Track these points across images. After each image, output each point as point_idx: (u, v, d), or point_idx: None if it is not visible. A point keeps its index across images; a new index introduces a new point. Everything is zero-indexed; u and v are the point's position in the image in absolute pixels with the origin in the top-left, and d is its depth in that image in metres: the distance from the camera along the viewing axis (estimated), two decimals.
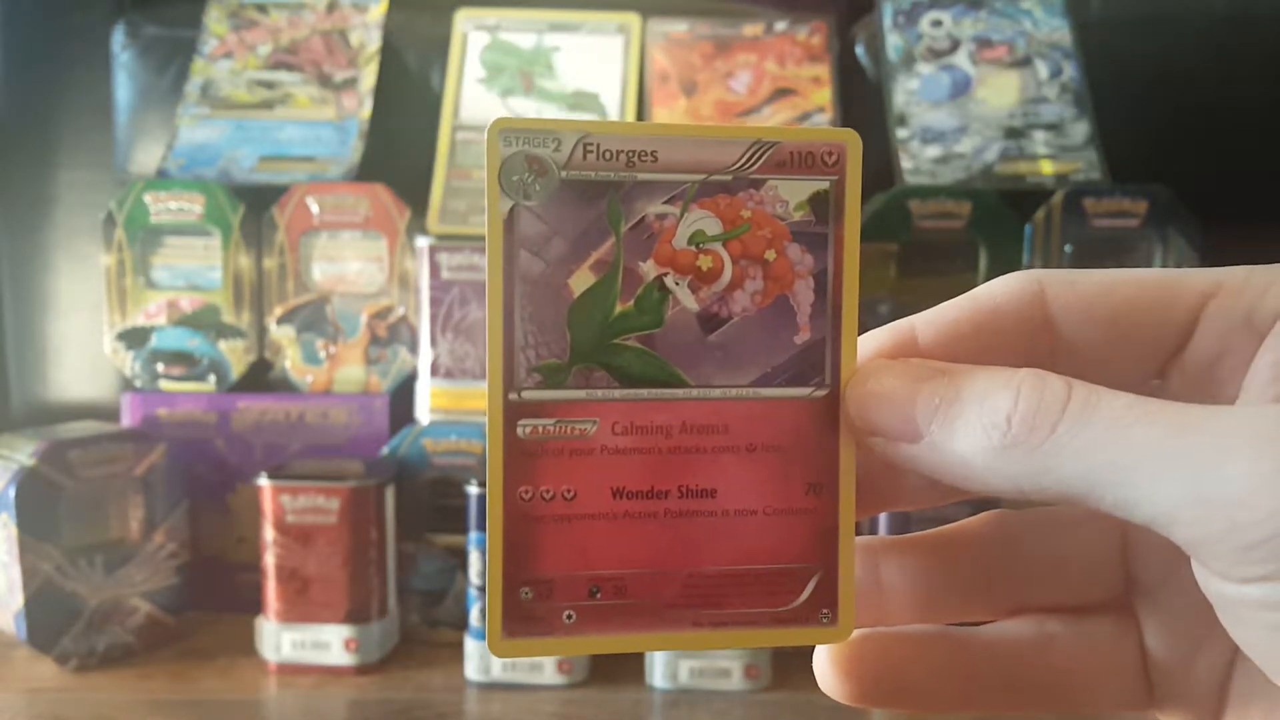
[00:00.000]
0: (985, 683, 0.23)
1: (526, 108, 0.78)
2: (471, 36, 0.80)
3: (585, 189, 0.22)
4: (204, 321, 0.73)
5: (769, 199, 0.22)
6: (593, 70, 0.79)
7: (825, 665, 0.24)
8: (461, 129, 0.77)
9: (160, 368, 0.73)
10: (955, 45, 0.78)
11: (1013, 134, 0.74)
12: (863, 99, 0.79)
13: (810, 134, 0.23)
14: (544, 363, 0.22)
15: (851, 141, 0.23)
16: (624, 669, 0.64)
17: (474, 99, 0.78)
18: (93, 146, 0.83)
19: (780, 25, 0.80)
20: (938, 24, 0.79)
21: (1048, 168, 0.73)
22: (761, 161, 0.22)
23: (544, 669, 0.63)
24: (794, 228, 0.23)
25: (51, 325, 0.83)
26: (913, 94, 0.76)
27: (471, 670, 0.63)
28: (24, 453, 0.63)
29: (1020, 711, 0.24)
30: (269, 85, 0.79)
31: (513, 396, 0.22)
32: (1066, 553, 0.24)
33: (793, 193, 0.22)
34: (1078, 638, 0.23)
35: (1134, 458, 0.18)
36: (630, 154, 0.22)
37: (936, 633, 0.24)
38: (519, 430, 0.22)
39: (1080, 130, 0.74)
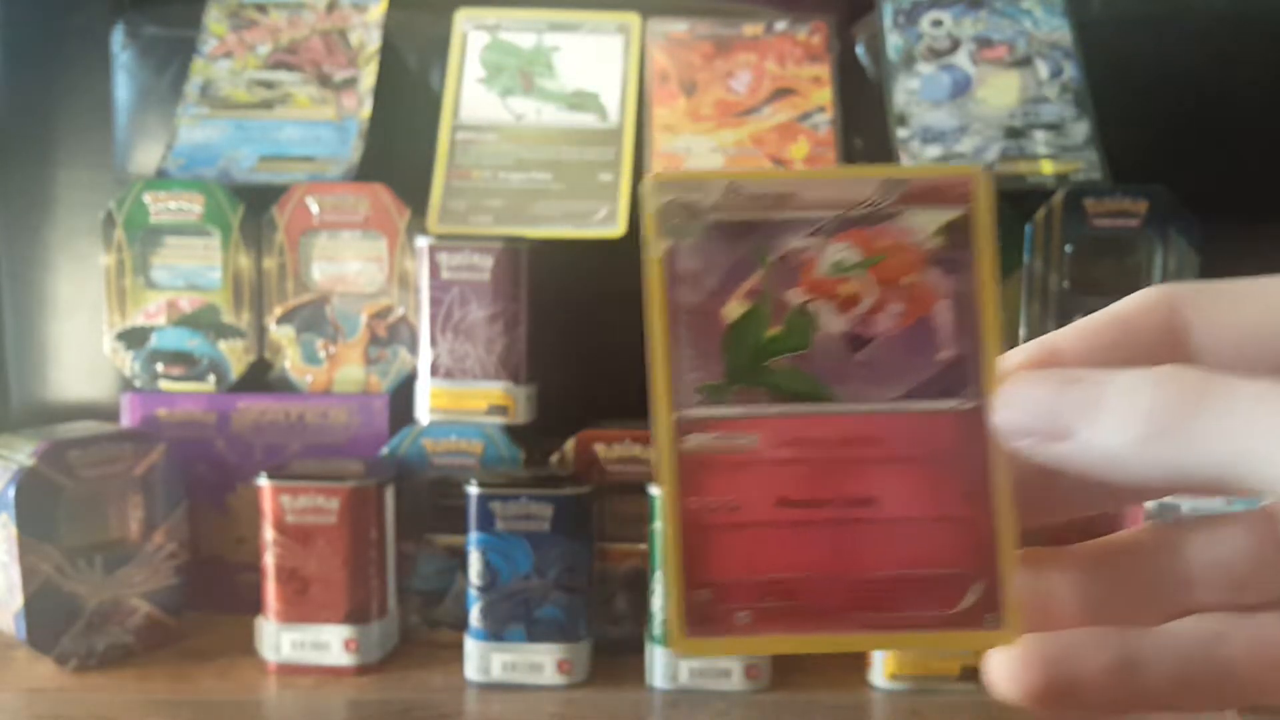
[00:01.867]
0: (1157, 683, 0.24)
1: (526, 107, 0.78)
2: (471, 36, 0.80)
3: (733, 229, 0.24)
4: (203, 321, 0.72)
5: (904, 229, 0.24)
6: (593, 70, 0.79)
7: (996, 668, 0.24)
8: (461, 129, 0.77)
9: (160, 368, 0.73)
10: (955, 45, 0.78)
11: (1013, 134, 0.74)
12: (863, 99, 0.79)
13: (937, 171, 0.25)
14: (705, 384, 0.24)
15: (977, 176, 0.24)
16: (624, 669, 0.64)
17: (474, 98, 0.78)
18: (92, 146, 0.83)
19: (780, 25, 0.80)
20: (938, 24, 0.79)
21: (1048, 168, 0.73)
22: (895, 196, 0.24)
23: (544, 669, 0.63)
24: (931, 254, 0.24)
25: (51, 325, 0.83)
26: (913, 94, 0.76)
27: (471, 670, 0.63)
28: (24, 453, 0.63)
29: (1193, 710, 0.24)
30: (269, 85, 0.79)
31: (678, 415, 0.24)
32: (1229, 555, 0.24)
33: (927, 222, 0.24)
34: (1249, 633, 0.24)
35: (1276, 436, 0.18)
36: (773, 196, 0.24)
37: (1106, 633, 0.24)
38: (685, 445, 0.24)
39: (1080, 130, 0.74)
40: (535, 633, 0.63)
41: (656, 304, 0.24)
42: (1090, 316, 0.24)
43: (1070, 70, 0.76)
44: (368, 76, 0.79)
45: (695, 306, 0.24)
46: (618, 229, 0.72)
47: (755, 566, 0.24)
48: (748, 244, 0.24)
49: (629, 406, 0.77)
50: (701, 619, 0.24)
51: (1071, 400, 0.22)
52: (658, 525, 0.62)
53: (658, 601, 0.62)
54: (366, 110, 0.77)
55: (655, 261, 0.24)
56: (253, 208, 0.72)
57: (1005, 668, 0.24)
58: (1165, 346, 0.23)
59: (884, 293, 0.24)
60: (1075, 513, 0.25)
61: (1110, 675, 0.24)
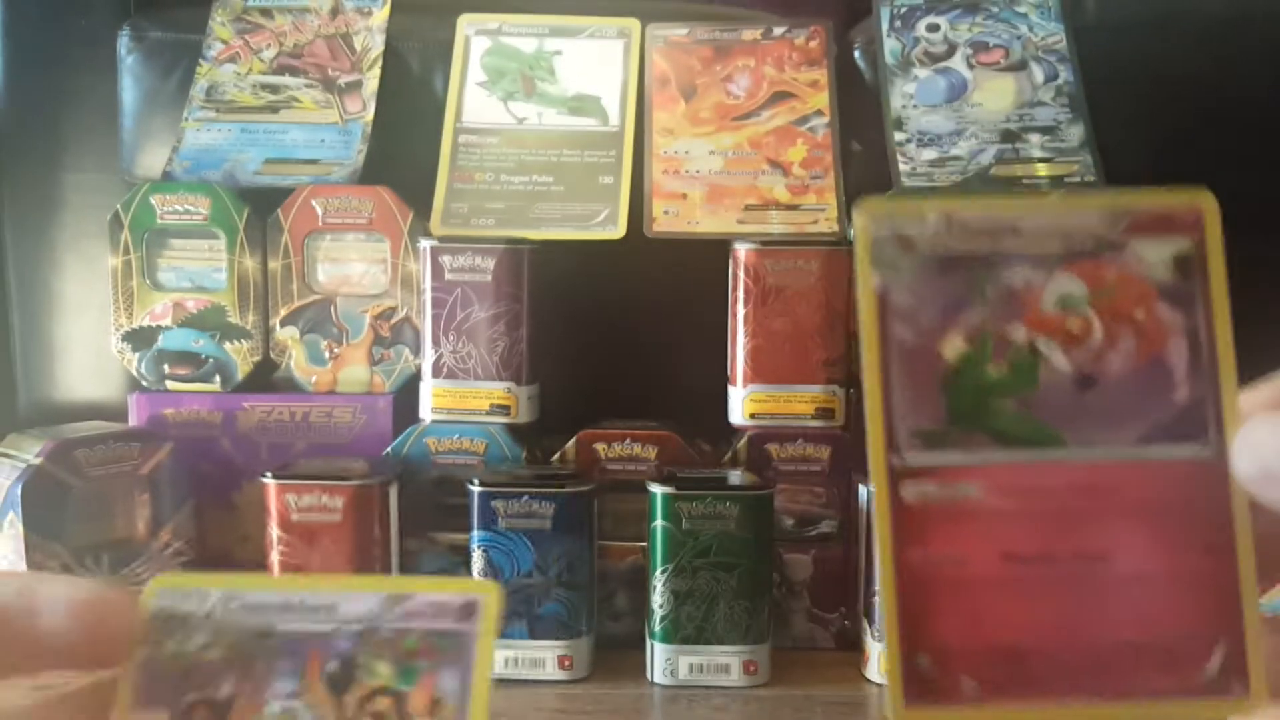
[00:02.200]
0: None
1: (528, 111, 0.79)
2: (474, 40, 0.81)
3: (951, 262, 0.23)
4: (209, 322, 0.73)
5: (1132, 261, 0.23)
6: (593, 74, 0.80)
7: None
8: (464, 132, 0.78)
9: (166, 368, 0.73)
10: (952, 49, 0.79)
11: (1009, 137, 0.75)
12: (860, 102, 0.80)
13: (1165, 198, 0.23)
14: (923, 428, 0.23)
15: (1208, 203, 0.23)
16: (624, 665, 0.65)
17: (476, 102, 0.79)
18: (99, 149, 0.83)
19: (779, 30, 0.81)
20: (934, 28, 0.80)
21: (1043, 170, 0.73)
22: (1121, 227, 0.23)
23: (545, 664, 0.63)
24: (1161, 287, 0.23)
25: (59, 326, 0.84)
26: (910, 97, 0.77)
27: None
28: (31, 452, 0.64)
29: None
30: (273, 89, 0.80)
31: (895, 461, 0.22)
32: None
33: (1156, 253, 0.23)
34: None
35: None
36: (990, 227, 0.23)
37: None
38: (903, 493, 0.22)
39: (1076, 133, 0.75)
40: (537, 629, 0.64)
41: (871, 341, 0.23)
42: None
43: (1065, 74, 0.77)
44: (371, 80, 0.80)
45: (912, 344, 0.23)
46: (618, 231, 0.73)
47: (980, 629, 0.22)
48: (966, 278, 0.23)
49: (629, 406, 0.78)
50: (923, 688, 0.22)
51: None
52: (657, 523, 0.63)
53: (657, 598, 0.63)
54: (370, 114, 0.78)
55: (869, 296, 0.23)
56: (258, 210, 0.73)
57: None
58: None
59: (1113, 329, 0.23)
60: None
61: None
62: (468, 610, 0.23)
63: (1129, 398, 0.22)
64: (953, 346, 0.23)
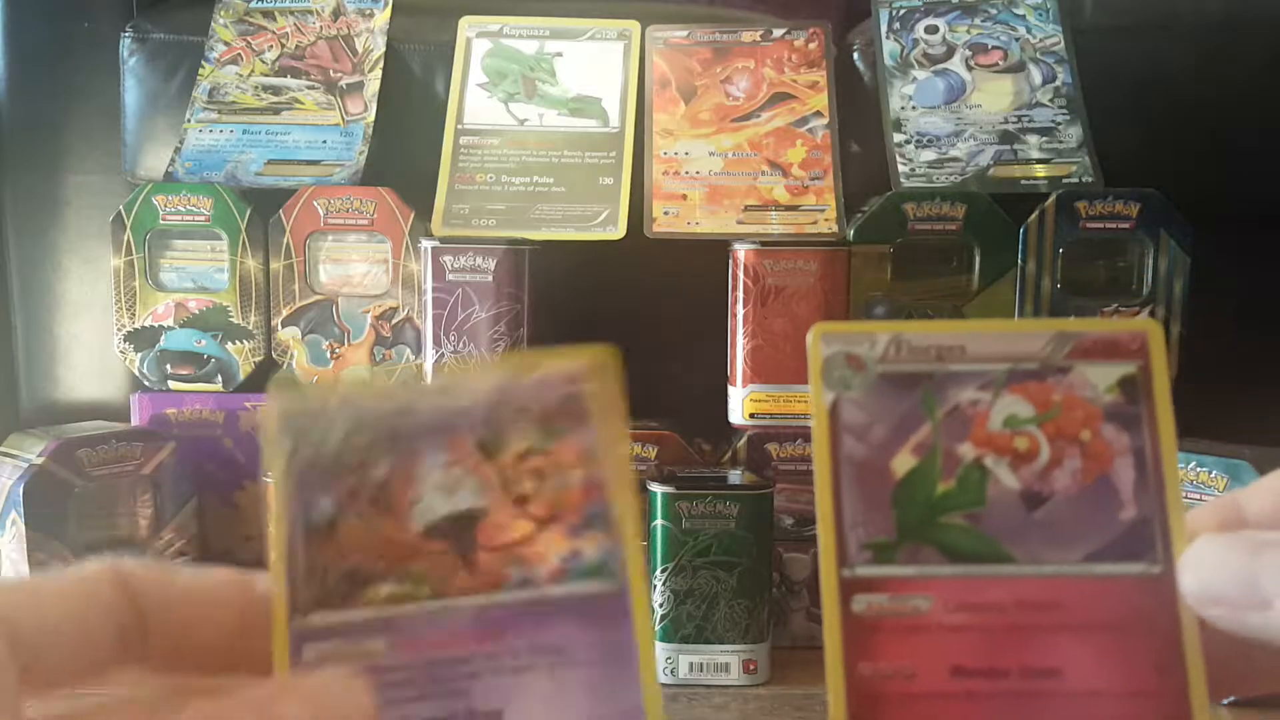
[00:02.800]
0: None
1: (529, 112, 0.79)
2: (475, 42, 0.82)
3: (900, 380, 0.23)
4: (212, 322, 0.74)
5: (1078, 383, 0.23)
6: (594, 76, 0.80)
7: None
8: (465, 133, 0.78)
9: (168, 368, 0.74)
10: (950, 51, 0.79)
11: (1007, 138, 0.75)
12: (859, 104, 0.80)
13: (1111, 325, 0.23)
14: (874, 540, 0.23)
15: (1153, 331, 0.23)
16: None
17: (477, 104, 0.79)
18: (102, 150, 0.84)
19: (778, 31, 0.81)
20: (933, 30, 0.80)
21: (1041, 171, 0.74)
22: (1066, 350, 0.23)
23: None
24: (1107, 409, 0.23)
25: (61, 326, 0.84)
26: (908, 99, 0.78)
27: None
28: (34, 452, 0.64)
29: None
30: (275, 90, 0.80)
31: (846, 573, 0.23)
32: None
33: (1101, 377, 0.23)
34: None
35: None
36: (939, 348, 0.23)
37: None
38: (854, 606, 0.23)
39: (1073, 134, 0.75)
40: None
41: (823, 456, 0.23)
42: (1276, 473, 0.22)
43: (1063, 75, 0.77)
44: (373, 82, 0.80)
45: (863, 459, 0.23)
46: (618, 231, 0.73)
47: None
48: (915, 396, 0.23)
49: (629, 406, 0.78)
50: None
51: (1269, 566, 0.20)
52: (657, 523, 0.63)
53: (657, 598, 0.63)
54: (372, 115, 0.78)
55: (821, 413, 0.23)
56: (260, 210, 0.73)
57: None
58: None
59: (1060, 449, 0.23)
60: (1271, 688, 0.23)
61: None
62: (589, 373, 0.24)
63: (1077, 516, 0.23)
64: (903, 462, 0.23)
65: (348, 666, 0.22)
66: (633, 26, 0.81)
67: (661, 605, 0.63)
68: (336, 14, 0.83)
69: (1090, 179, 0.73)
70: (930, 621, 0.22)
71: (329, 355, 0.74)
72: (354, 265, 0.74)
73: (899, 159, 0.75)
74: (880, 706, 0.22)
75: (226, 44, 0.82)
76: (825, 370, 0.24)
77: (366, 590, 0.23)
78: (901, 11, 0.81)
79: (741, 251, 0.70)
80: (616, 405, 0.24)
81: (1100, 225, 0.70)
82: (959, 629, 0.22)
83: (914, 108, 0.77)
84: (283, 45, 0.82)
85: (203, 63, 0.81)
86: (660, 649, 0.64)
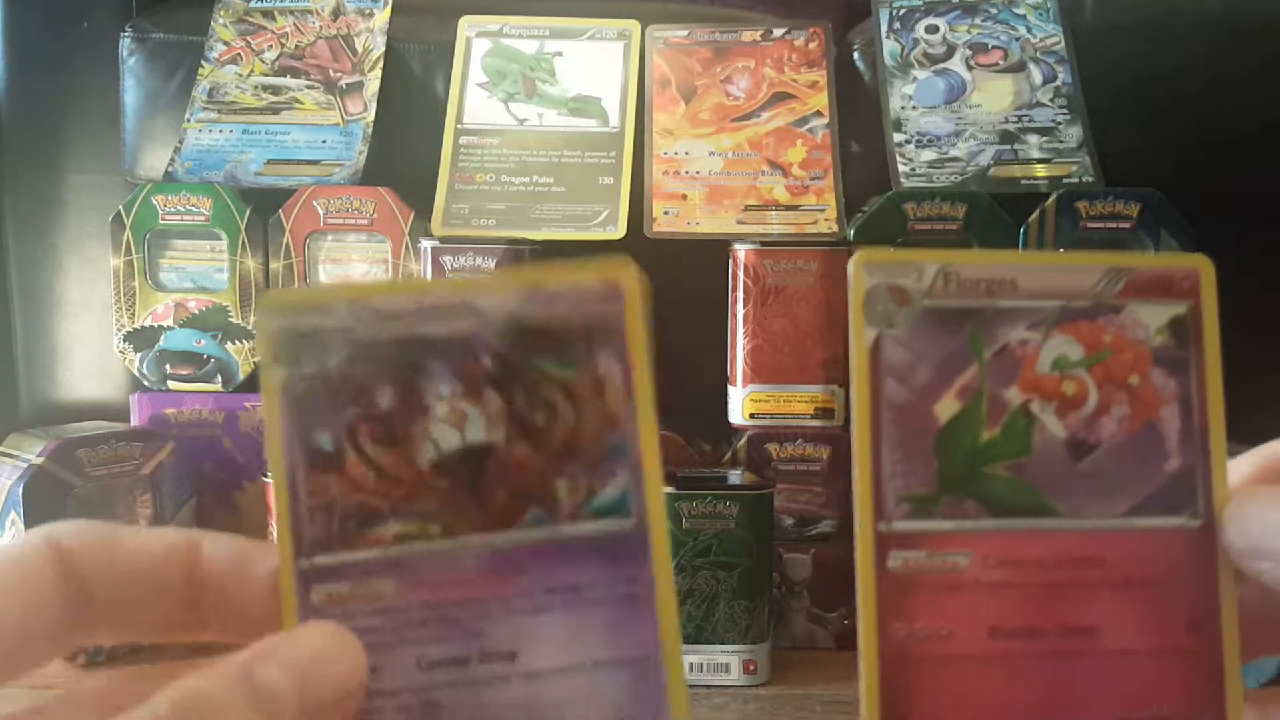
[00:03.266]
0: None
1: (529, 112, 0.79)
2: (475, 42, 0.81)
3: (947, 317, 0.22)
4: (211, 322, 0.74)
5: (1129, 324, 0.22)
6: (594, 75, 0.80)
7: None
8: (465, 133, 0.78)
9: (168, 368, 0.74)
10: (950, 51, 0.79)
11: (1007, 138, 0.75)
12: (859, 103, 0.80)
13: (1164, 260, 0.23)
14: (912, 492, 0.22)
15: (1205, 267, 0.23)
16: None
17: (477, 103, 0.79)
18: (101, 150, 0.83)
19: (778, 31, 0.81)
20: (933, 30, 0.80)
21: (1041, 171, 0.74)
22: (1119, 287, 0.22)
23: None
24: (1156, 352, 0.22)
25: (60, 326, 0.84)
26: (908, 99, 0.78)
27: None
28: (33, 452, 0.64)
29: None
30: (275, 90, 0.80)
31: (882, 527, 0.22)
32: None
33: (1152, 317, 0.22)
34: None
35: None
36: (990, 282, 0.22)
37: None
38: (890, 563, 0.22)
39: (1074, 134, 0.75)
40: None
41: (862, 400, 0.22)
42: None
43: (1064, 75, 0.77)
44: (373, 81, 0.80)
45: (904, 403, 0.22)
46: (618, 231, 0.73)
47: (965, 706, 0.21)
48: (962, 334, 0.22)
49: None
50: None
51: None
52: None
53: None
54: (371, 115, 0.78)
55: (862, 352, 0.22)
56: (259, 210, 0.73)
57: None
58: None
59: (1108, 394, 0.22)
60: None
61: None
62: (610, 292, 0.22)
63: (1121, 466, 0.22)
64: (946, 407, 0.22)
65: (340, 622, 0.21)
66: (633, 26, 0.81)
67: None
68: (336, 13, 0.83)
69: (1090, 179, 0.73)
70: (968, 579, 0.22)
71: None
72: (353, 265, 0.74)
73: (899, 159, 0.75)
74: (914, 669, 0.21)
75: (226, 44, 0.81)
76: (867, 304, 0.22)
77: (373, 529, 0.22)
78: (902, 11, 0.81)
79: (742, 251, 0.70)
80: (639, 328, 0.22)
81: (1101, 225, 0.70)
82: (997, 586, 0.22)
83: (914, 107, 0.77)
84: (282, 45, 0.82)
85: (202, 62, 0.81)
86: None
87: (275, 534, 0.22)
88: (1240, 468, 0.22)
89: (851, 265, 0.22)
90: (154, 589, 0.21)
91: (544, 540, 0.22)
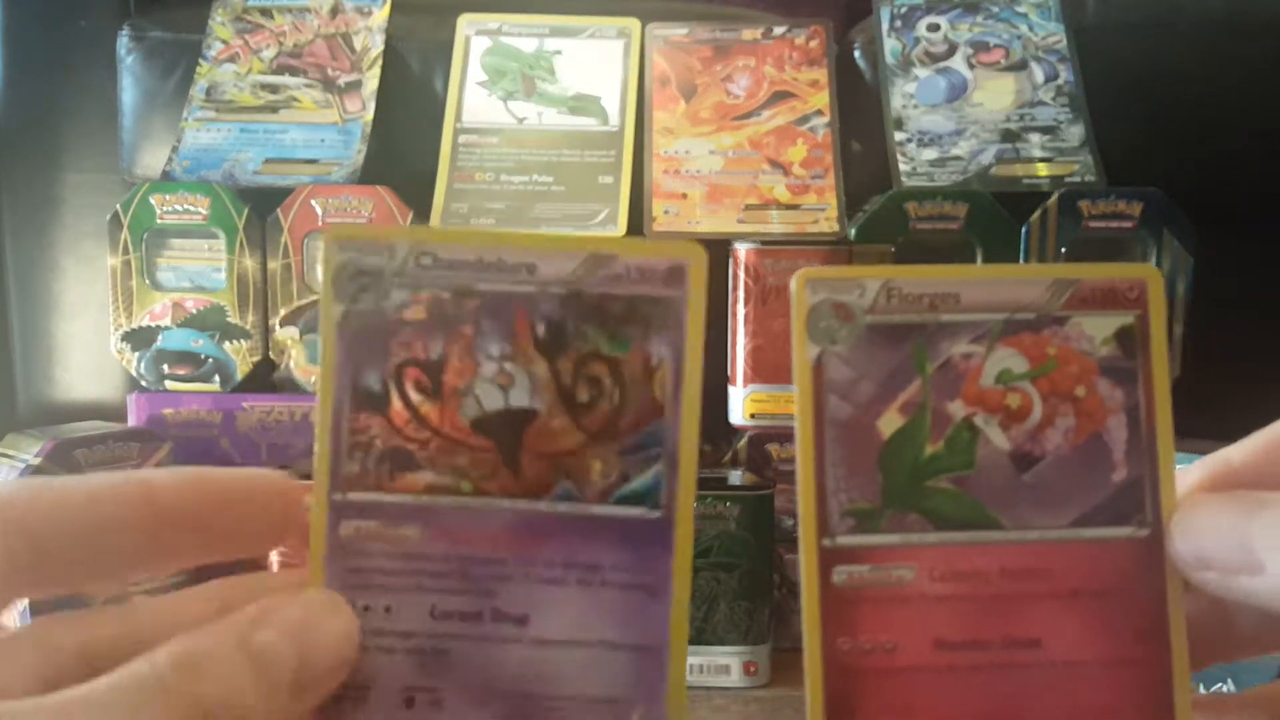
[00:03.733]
0: None
1: (528, 111, 0.79)
2: (474, 40, 0.81)
3: (890, 332, 0.22)
4: (209, 322, 0.73)
5: (1074, 335, 0.22)
6: (593, 74, 0.80)
7: None
8: (464, 132, 0.78)
9: (165, 368, 0.73)
10: (952, 49, 0.79)
11: (1009, 137, 0.75)
12: (860, 102, 0.80)
13: (1110, 270, 0.22)
14: (856, 506, 0.22)
15: (1152, 278, 0.22)
16: None
17: (476, 102, 0.79)
18: (99, 149, 0.83)
19: (779, 29, 0.81)
20: (934, 28, 0.80)
21: (1043, 170, 0.73)
22: (1064, 299, 0.22)
23: None
24: (1102, 363, 0.22)
25: (58, 326, 0.84)
26: (910, 97, 0.77)
27: None
28: (30, 452, 0.64)
29: None
30: (273, 89, 0.80)
31: (827, 542, 0.22)
32: None
33: (1098, 328, 0.22)
34: None
35: None
36: (933, 296, 0.22)
37: None
38: (835, 578, 0.22)
39: (1076, 133, 0.75)
40: None
41: (805, 417, 0.22)
42: (1267, 429, 0.21)
43: (1066, 74, 0.77)
44: (371, 80, 0.80)
45: (848, 420, 0.22)
46: (618, 230, 0.73)
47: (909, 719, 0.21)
48: (906, 349, 0.22)
49: None
50: None
51: (1262, 527, 0.19)
52: None
53: None
54: (370, 113, 0.78)
55: (805, 369, 0.22)
56: (258, 210, 0.73)
57: None
58: None
59: (1053, 406, 0.22)
60: (1254, 653, 0.23)
61: None
62: (674, 275, 0.22)
63: (1067, 477, 0.22)
64: (889, 422, 0.22)
65: (362, 559, 0.22)
66: (633, 24, 0.81)
67: None
68: (334, 12, 0.82)
69: (1092, 178, 0.72)
70: (913, 592, 0.22)
71: None
72: None
73: (900, 158, 0.75)
74: (859, 682, 0.21)
75: (224, 42, 0.81)
76: (810, 321, 0.22)
77: (407, 475, 0.22)
78: (903, 9, 0.81)
79: (742, 251, 0.70)
80: (699, 316, 0.22)
81: (1102, 224, 0.70)
82: (942, 599, 0.22)
83: (915, 106, 0.77)
84: (280, 44, 0.81)
85: (200, 61, 0.80)
86: None
87: (315, 463, 0.22)
88: (1188, 476, 0.22)
89: (794, 282, 0.22)
90: (110, 527, 0.21)
91: (570, 515, 0.22)
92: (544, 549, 0.22)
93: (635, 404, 0.22)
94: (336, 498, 0.22)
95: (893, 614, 0.22)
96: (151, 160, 0.81)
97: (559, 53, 0.81)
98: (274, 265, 0.73)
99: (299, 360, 0.74)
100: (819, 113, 0.78)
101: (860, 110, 0.79)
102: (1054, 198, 0.70)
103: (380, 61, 0.80)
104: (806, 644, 0.22)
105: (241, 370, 0.73)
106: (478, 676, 0.22)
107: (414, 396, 0.22)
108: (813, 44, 0.80)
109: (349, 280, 0.22)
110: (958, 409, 0.22)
